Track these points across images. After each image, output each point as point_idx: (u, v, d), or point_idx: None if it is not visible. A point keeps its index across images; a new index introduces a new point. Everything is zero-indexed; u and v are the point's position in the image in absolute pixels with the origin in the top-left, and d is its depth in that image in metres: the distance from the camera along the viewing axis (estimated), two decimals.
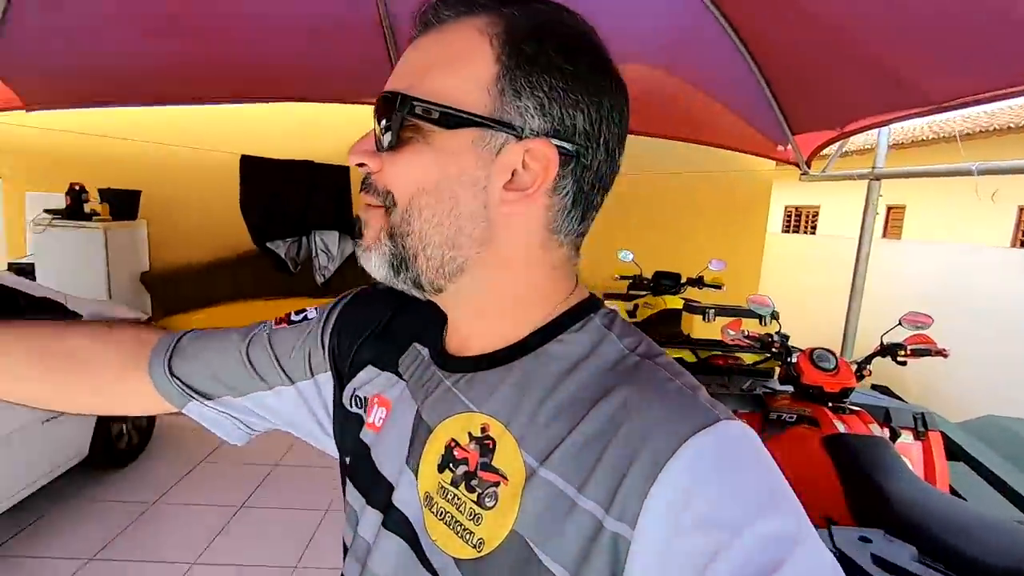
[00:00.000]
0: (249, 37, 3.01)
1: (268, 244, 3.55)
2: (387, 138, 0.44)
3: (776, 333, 2.22)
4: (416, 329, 0.58)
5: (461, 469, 0.47)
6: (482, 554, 0.44)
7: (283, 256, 3.60)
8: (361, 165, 0.46)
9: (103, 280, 3.95)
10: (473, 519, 0.45)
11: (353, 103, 3.62)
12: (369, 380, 0.58)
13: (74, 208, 4.02)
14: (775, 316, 2.29)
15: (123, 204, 4.20)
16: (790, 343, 2.14)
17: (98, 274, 3.95)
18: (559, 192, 0.45)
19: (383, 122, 0.44)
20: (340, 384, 0.60)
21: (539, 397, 0.46)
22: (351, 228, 3.75)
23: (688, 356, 2.88)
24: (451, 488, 0.47)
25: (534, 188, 0.44)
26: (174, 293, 4.35)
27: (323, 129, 4.20)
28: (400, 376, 0.56)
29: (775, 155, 4.04)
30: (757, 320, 2.41)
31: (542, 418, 0.45)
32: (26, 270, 3.85)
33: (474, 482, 0.46)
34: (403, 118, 0.43)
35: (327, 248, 3.68)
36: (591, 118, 0.44)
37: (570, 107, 0.43)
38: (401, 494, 0.51)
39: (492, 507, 0.44)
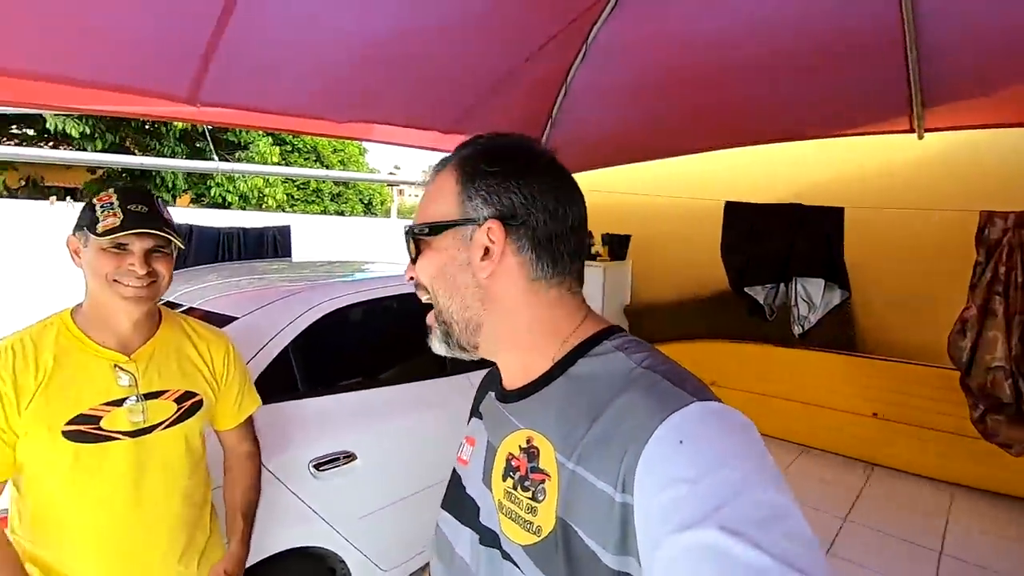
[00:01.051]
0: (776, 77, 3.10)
1: (746, 289, 3.53)
2: (411, 253, 0.66)
3: None
4: (491, 383, 0.75)
5: (517, 475, 0.61)
6: (541, 538, 0.56)
7: (761, 302, 3.52)
8: (411, 279, 0.67)
9: (599, 309, 4.78)
10: (531, 512, 0.58)
11: (865, 134, 3.25)
12: (467, 429, 0.77)
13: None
14: None
15: (618, 246, 4.98)
16: None
17: (596, 304, 4.78)
18: (522, 251, 0.62)
19: (407, 245, 0.66)
20: None
21: (565, 410, 0.58)
22: (839, 276, 3.34)
23: None
24: (513, 491, 0.61)
25: (497, 253, 0.61)
26: (649, 325, 4.86)
27: (811, 169, 3.95)
28: (481, 417, 0.74)
29: None
30: None
31: (567, 426, 0.57)
32: None
33: (527, 483, 0.59)
34: (413, 238, 0.65)
35: (809, 297, 3.38)
36: (522, 196, 0.61)
37: (503, 194, 0.61)
38: (484, 510, 0.65)
39: (542, 500, 0.57)
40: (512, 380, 0.66)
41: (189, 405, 1.16)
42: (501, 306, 0.62)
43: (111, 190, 1.06)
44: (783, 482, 0.46)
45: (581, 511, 0.53)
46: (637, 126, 3.93)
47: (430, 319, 0.65)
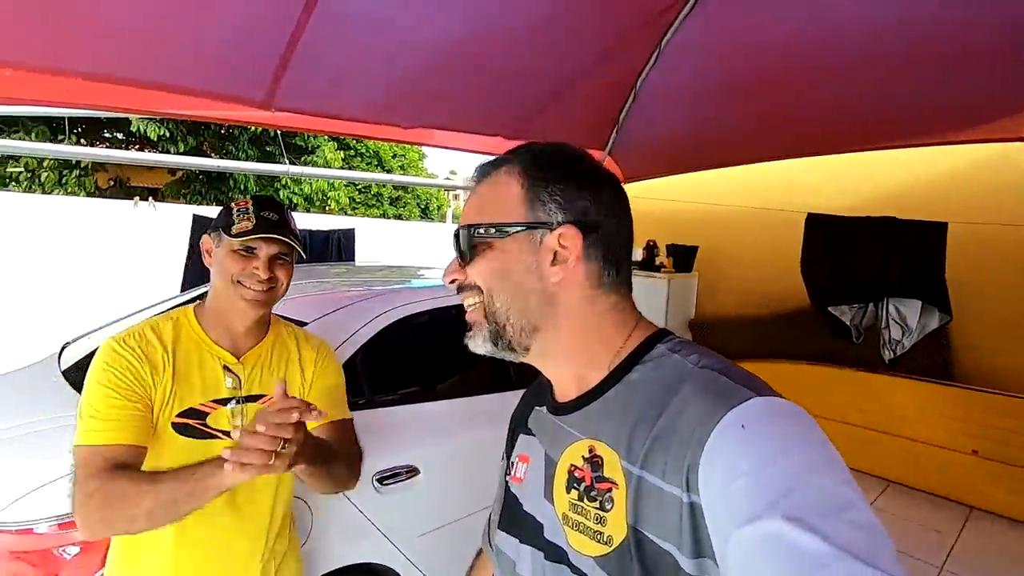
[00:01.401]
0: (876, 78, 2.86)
1: (830, 308, 3.27)
2: (465, 253, 0.65)
3: None
4: (537, 398, 0.75)
5: (582, 486, 0.60)
6: (612, 548, 0.56)
7: (848, 323, 3.24)
8: (453, 281, 0.67)
9: (662, 322, 4.55)
10: (599, 522, 0.58)
11: (974, 141, 2.95)
12: (515, 448, 0.77)
13: (648, 260, 4.83)
14: None
15: (683, 258, 4.77)
16: None
17: (658, 317, 4.59)
18: (592, 258, 0.62)
19: (462, 245, 0.65)
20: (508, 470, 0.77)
21: (625, 417, 0.58)
22: (939, 298, 3.03)
23: None
24: (578, 503, 0.61)
25: (572, 259, 0.61)
26: (715, 342, 4.62)
27: (905, 177, 3.63)
28: (532, 433, 0.73)
29: None
30: None
31: (629, 431, 0.57)
32: None
33: (593, 493, 0.59)
34: (472, 238, 0.64)
35: (903, 319, 3.09)
36: (596, 204, 0.62)
37: (577, 200, 0.62)
38: (548, 527, 0.65)
39: (610, 509, 0.57)
40: (566, 391, 0.67)
41: None
42: (562, 311, 0.63)
43: (248, 197, 1.12)
44: (848, 473, 0.46)
45: (651, 516, 0.53)
46: (712, 132, 3.74)
47: (474, 316, 0.65)
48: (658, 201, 4.94)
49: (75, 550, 1.20)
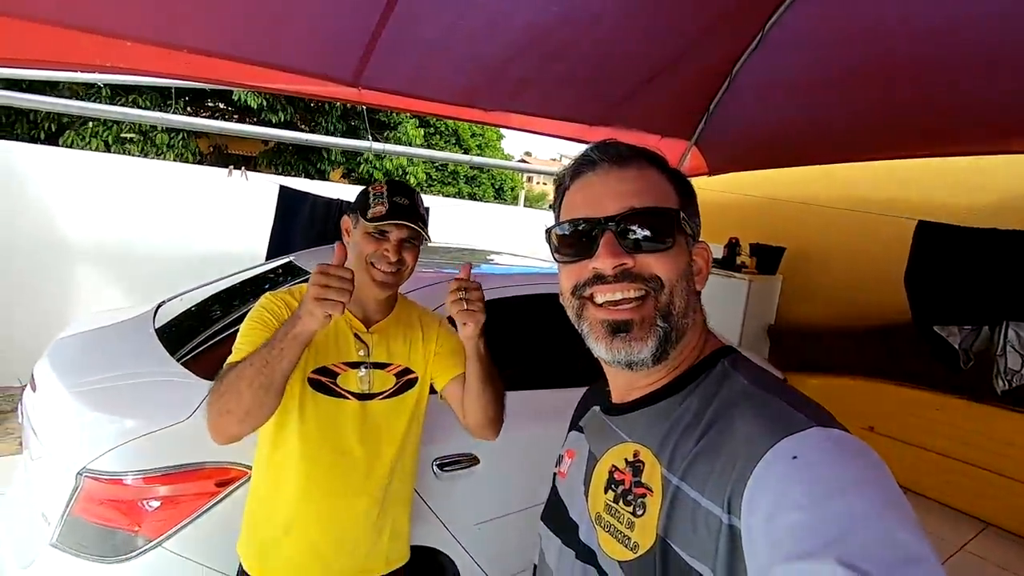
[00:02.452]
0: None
1: (936, 328, 2.96)
2: (654, 238, 0.60)
3: None
4: (594, 397, 0.76)
5: (620, 488, 0.60)
6: (637, 555, 0.55)
7: (956, 346, 2.92)
8: (619, 266, 0.59)
9: (738, 326, 4.33)
10: (629, 526, 0.57)
11: None
12: (565, 443, 0.78)
13: (728, 258, 4.58)
14: None
15: (768, 259, 4.49)
16: None
17: (735, 320, 4.35)
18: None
19: (653, 227, 0.60)
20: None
21: (676, 426, 0.57)
22: None
23: None
24: (613, 504, 0.61)
25: (707, 270, 0.66)
26: (792, 350, 4.34)
27: None
28: (582, 431, 0.75)
29: None
30: None
31: (675, 440, 0.56)
32: None
33: (629, 497, 0.59)
34: (677, 226, 0.61)
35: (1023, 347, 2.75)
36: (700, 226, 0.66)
37: (697, 221, 0.65)
38: (583, 528, 0.65)
39: (642, 515, 0.56)
40: (626, 393, 0.66)
41: (405, 381, 1.25)
42: (692, 322, 0.63)
43: (384, 181, 1.18)
44: (918, 524, 0.41)
45: (684, 531, 0.51)
46: (811, 126, 3.46)
47: (641, 313, 0.59)
48: (744, 196, 4.65)
49: (156, 504, 1.28)
